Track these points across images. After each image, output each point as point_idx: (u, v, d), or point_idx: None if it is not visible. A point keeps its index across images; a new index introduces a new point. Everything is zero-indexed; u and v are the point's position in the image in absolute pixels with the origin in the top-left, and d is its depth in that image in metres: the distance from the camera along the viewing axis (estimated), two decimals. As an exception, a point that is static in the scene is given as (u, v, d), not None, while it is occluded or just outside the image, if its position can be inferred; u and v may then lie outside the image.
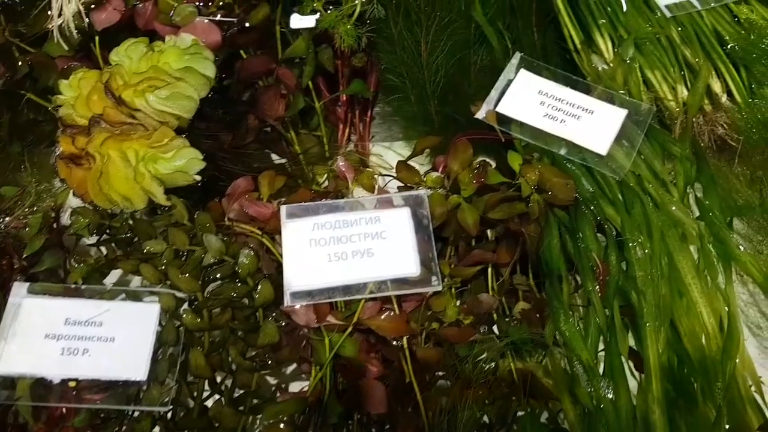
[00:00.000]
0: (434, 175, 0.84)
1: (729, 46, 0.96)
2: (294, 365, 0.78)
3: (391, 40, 0.98)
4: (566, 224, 0.81)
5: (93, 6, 0.96)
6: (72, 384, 0.67)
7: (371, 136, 1.07)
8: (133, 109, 0.79)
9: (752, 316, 0.84)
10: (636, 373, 0.74)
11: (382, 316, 0.74)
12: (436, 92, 0.96)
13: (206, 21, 0.94)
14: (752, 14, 0.97)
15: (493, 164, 0.93)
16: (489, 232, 0.86)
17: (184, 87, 0.82)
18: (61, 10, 0.96)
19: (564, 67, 0.98)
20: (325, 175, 0.89)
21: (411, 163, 0.88)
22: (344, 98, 1.03)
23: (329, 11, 0.99)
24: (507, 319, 0.80)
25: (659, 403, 0.69)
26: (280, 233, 0.79)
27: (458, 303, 0.81)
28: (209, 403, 0.72)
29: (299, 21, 0.99)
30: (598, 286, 0.76)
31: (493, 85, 0.94)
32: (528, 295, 0.81)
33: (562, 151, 0.85)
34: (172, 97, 0.80)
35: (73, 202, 0.82)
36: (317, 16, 0.98)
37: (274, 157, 1.00)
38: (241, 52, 0.99)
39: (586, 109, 0.88)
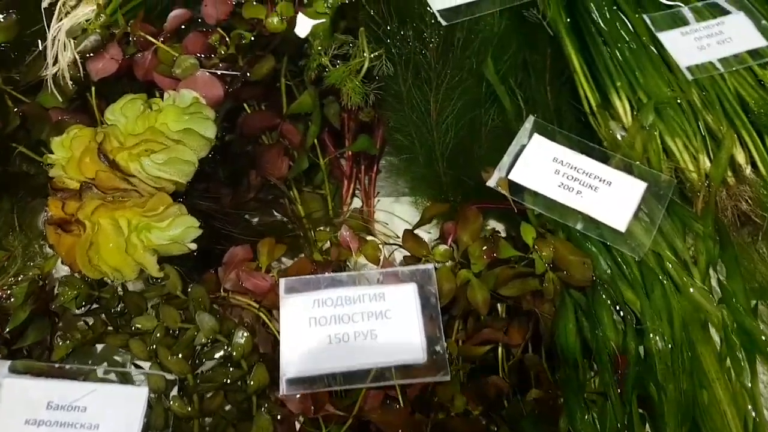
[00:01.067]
0: (442, 248, 0.80)
1: (753, 113, 0.92)
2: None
3: (400, 98, 0.95)
4: (582, 306, 0.77)
5: (89, 55, 0.93)
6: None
7: (377, 192, 1.03)
8: (127, 174, 0.75)
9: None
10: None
11: (385, 409, 0.69)
12: (446, 153, 0.93)
13: (208, 74, 0.91)
14: (776, 78, 0.94)
15: (504, 232, 0.89)
16: (499, 305, 0.82)
17: (183, 150, 0.78)
18: (56, 58, 0.93)
19: (579, 130, 0.94)
20: (328, 242, 0.85)
21: (418, 228, 0.84)
22: (350, 153, 0.99)
23: (337, 66, 0.95)
24: (518, 403, 0.76)
25: None
26: (278, 308, 0.75)
27: (465, 381, 0.76)
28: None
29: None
30: (616, 377, 0.72)
31: (504, 148, 0.91)
32: (541, 377, 0.77)
33: (579, 226, 0.81)
34: (169, 162, 0.76)
35: (62, 269, 0.78)
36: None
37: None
38: (245, 105, 0.95)
39: (604, 180, 0.85)
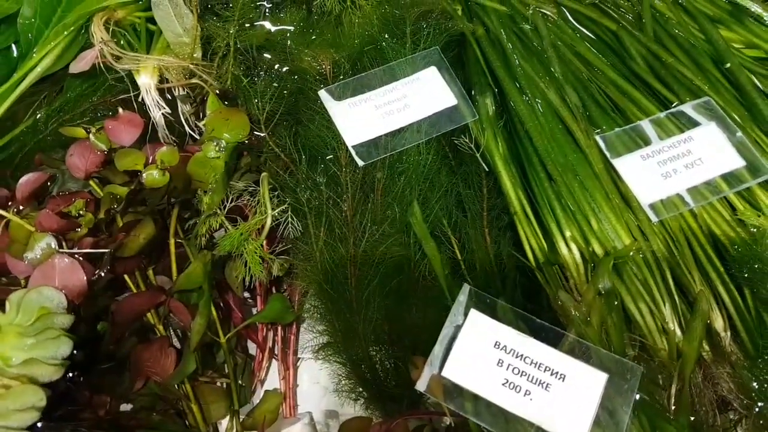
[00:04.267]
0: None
1: (730, 259, 0.80)
2: None
3: (313, 262, 0.81)
4: None
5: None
6: None
7: (298, 360, 0.89)
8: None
9: None
10: None
11: None
12: (369, 330, 0.79)
13: (67, 259, 0.76)
14: (760, 218, 0.82)
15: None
16: None
17: (26, 392, 0.63)
18: None
19: (524, 286, 0.82)
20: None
21: None
22: (264, 332, 0.85)
23: (236, 226, 0.81)
24: None
25: None
26: None
27: None
28: None
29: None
30: None
31: (440, 313, 0.77)
32: None
33: (529, 445, 0.68)
34: (6, 415, 0.61)
35: None
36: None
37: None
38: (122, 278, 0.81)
39: (557, 374, 0.72)
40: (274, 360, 0.90)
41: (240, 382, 0.84)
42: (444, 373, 0.73)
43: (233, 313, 0.86)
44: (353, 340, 0.79)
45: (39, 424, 0.66)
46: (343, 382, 0.81)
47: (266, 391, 0.83)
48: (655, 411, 0.71)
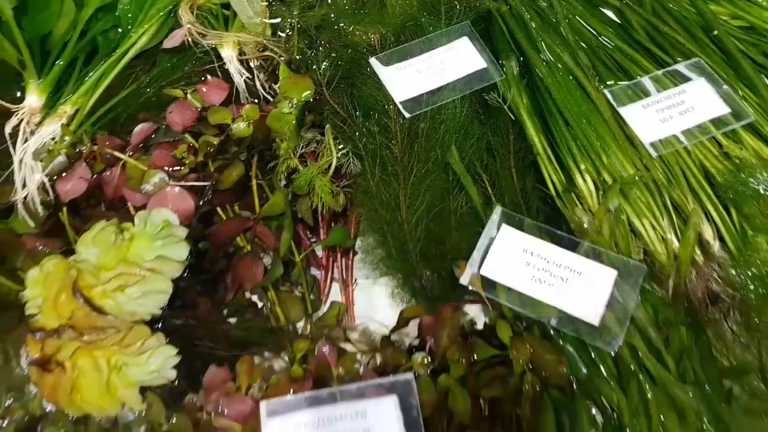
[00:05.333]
0: (420, 356, 0.84)
1: (718, 185, 0.97)
2: None
3: (370, 194, 1.00)
4: (562, 404, 0.82)
5: (57, 177, 0.97)
6: None
7: (354, 280, 1.06)
8: (103, 311, 0.79)
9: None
10: None
11: None
12: (418, 247, 0.97)
13: (177, 189, 0.95)
14: (741, 150, 0.99)
15: (481, 324, 0.93)
16: (482, 401, 0.86)
17: (156, 281, 0.82)
18: (25, 181, 0.97)
19: (547, 213, 1.00)
20: (303, 348, 0.89)
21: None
22: (326, 248, 1.03)
23: (306, 165, 1.00)
24: None
25: None
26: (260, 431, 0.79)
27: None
28: None
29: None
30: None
31: (475, 236, 0.95)
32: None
33: (553, 322, 0.86)
34: (144, 295, 0.81)
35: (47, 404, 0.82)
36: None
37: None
38: (218, 209, 1.00)
39: (574, 270, 0.89)
40: (335, 283, 1.07)
41: (311, 295, 1.02)
42: (482, 272, 0.91)
43: (303, 240, 1.05)
44: (404, 255, 0.97)
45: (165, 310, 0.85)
46: (396, 291, 0.99)
47: (332, 302, 1.00)
48: (657, 299, 0.88)
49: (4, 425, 0.79)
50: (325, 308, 1.01)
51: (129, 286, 0.80)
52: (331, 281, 1.06)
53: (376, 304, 1.03)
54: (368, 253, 1.05)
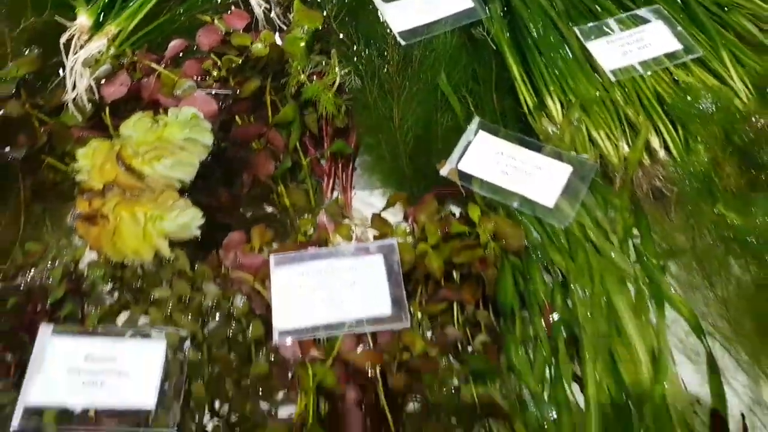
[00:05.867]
0: (403, 226, 1.01)
1: (668, 106, 1.14)
2: (283, 393, 0.93)
3: (368, 107, 1.17)
4: (519, 268, 0.98)
5: (103, 81, 1.15)
6: (91, 413, 0.83)
7: (353, 188, 1.23)
8: (141, 175, 0.97)
9: (692, 344, 0.99)
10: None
11: (359, 350, 0.90)
12: (407, 151, 1.14)
13: (204, 94, 1.13)
14: (689, 77, 1.16)
15: (458, 213, 1.10)
16: (455, 272, 1.02)
17: (186, 155, 0.99)
18: (75, 84, 1.15)
19: (520, 129, 1.16)
20: (310, 227, 1.06)
21: (387, 211, 1.05)
22: (328, 154, 1.20)
23: (313, 82, 1.17)
24: (470, 350, 0.96)
25: (597, 425, 0.85)
26: (269, 279, 0.96)
27: (429, 336, 0.96)
28: (209, 426, 0.88)
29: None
30: (544, 323, 0.92)
31: (456, 144, 1.12)
32: (487, 327, 0.97)
33: (515, 204, 1.02)
34: (175, 165, 0.98)
35: (90, 255, 0.99)
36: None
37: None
38: (236, 117, 1.17)
39: (537, 166, 1.06)
40: (335, 192, 1.24)
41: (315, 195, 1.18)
42: (459, 167, 1.08)
43: (309, 150, 1.22)
44: (396, 157, 1.14)
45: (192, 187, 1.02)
46: (387, 192, 1.16)
47: (335, 198, 1.17)
48: (606, 190, 1.05)
49: (54, 270, 0.96)
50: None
51: (163, 157, 0.98)
52: (333, 187, 1.23)
53: (370, 212, 1.20)
54: (366, 169, 1.22)
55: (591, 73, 1.18)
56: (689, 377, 0.93)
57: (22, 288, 0.93)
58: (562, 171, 1.05)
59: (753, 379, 0.94)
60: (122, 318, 0.95)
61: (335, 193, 1.22)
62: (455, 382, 0.92)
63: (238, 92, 1.16)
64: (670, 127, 1.12)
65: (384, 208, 1.06)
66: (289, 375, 0.91)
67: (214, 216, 1.05)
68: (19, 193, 1.06)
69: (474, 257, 0.98)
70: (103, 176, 0.98)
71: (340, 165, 1.23)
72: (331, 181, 1.22)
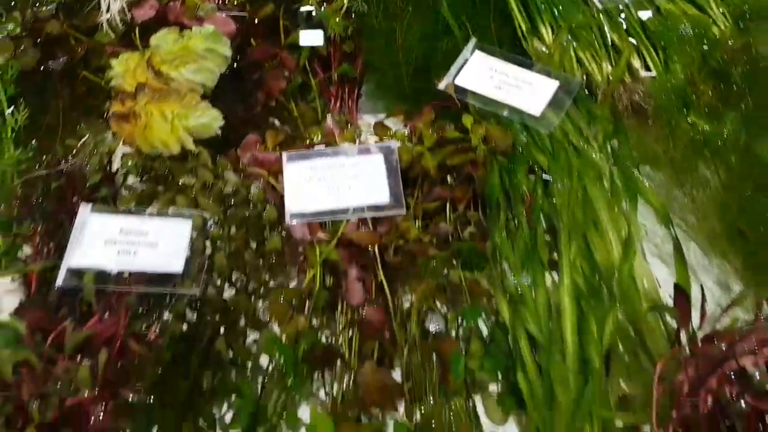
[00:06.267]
0: (402, 131, 1.13)
1: (650, 31, 1.24)
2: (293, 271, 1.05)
3: (373, 30, 1.29)
4: (506, 167, 1.09)
5: (134, 4, 1.27)
6: (126, 275, 0.96)
7: (359, 112, 1.35)
8: (169, 79, 1.08)
9: (668, 250, 1.10)
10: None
11: (359, 230, 1.02)
12: (409, 71, 1.25)
13: (224, 15, 1.24)
14: (670, 5, 1.26)
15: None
16: (449, 178, 1.14)
17: (208, 63, 1.11)
18: (109, 7, 1.27)
19: (514, 51, 1.27)
20: (318, 134, 1.17)
21: (389, 125, 1.17)
22: (336, 78, 1.31)
23: (323, 7, 1.29)
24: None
25: (570, 294, 0.96)
26: (282, 174, 1.08)
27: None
28: (228, 294, 1.01)
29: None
30: (525, 212, 1.04)
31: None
32: (478, 225, 1.09)
33: (505, 113, 1.14)
34: (198, 70, 1.10)
35: (122, 150, 1.12)
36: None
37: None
38: (251, 40, 1.28)
39: (527, 81, 1.17)
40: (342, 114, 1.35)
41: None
42: (456, 82, 1.19)
43: (318, 73, 1.33)
44: (399, 78, 1.25)
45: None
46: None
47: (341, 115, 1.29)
48: (590, 102, 1.16)
49: (91, 158, 1.08)
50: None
51: (188, 63, 1.09)
52: (339, 110, 1.34)
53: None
54: (370, 96, 1.33)
55: (580, 3, 1.28)
56: (664, 278, 1.02)
57: (63, 173, 1.05)
58: (550, 86, 1.16)
59: (719, 269, 1.04)
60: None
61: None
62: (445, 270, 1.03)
63: (253, 16, 1.27)
64: (652, 50, 1.22)
65: (386, 117, 1.17)
66: (300, 253, 1.03)
67: (231, 125, 1.17)
68: (59, 101, 1.19)
69: (466, 160, 1.09)
70: (135, 79, 1.10)
71: (346, 89, 1.35)
72: (337, 104, 1.34)
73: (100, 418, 0.88)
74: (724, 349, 0.87)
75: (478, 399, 0.97)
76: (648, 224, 1.08)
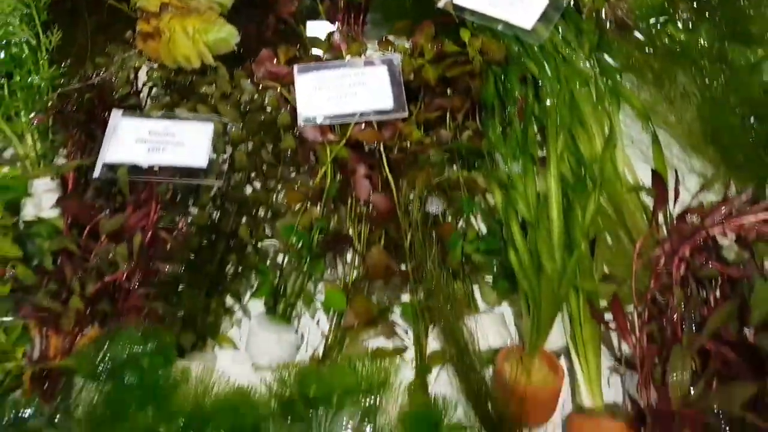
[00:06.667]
0: (404, 46, 1.23)
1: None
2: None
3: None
4: (499, 76, 1.19)
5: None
6: (156, 168, 1.06)
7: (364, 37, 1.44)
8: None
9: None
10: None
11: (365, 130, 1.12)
12: (411, -2, 1.35)
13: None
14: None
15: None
16: (448, 90, 1.24)
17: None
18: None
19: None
20: (326, 48, 1.27)
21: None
22: (343, 5, 1.41)
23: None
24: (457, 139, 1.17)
25: (556, 180, 1.06)
26: (293, 85, 1.18)
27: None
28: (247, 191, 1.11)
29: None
30: (517, 113, 1.14)
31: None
32: (473, 129, 1.19)
33: (499, 27, 1.23)
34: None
35: (147, 67, 1.22)
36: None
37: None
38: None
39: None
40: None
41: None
42: (455, 1, 1.28)
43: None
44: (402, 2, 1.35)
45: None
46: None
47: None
48: (577, 17, 1.25)
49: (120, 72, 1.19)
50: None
51: (207, -16, 1.19)
52: (346, 33, 1.44)
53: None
54: (375, 25, 1.43)
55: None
56: (648, 178, 1.12)
57: (94, 87, 1.15)
58: (540, 2, 1.25)
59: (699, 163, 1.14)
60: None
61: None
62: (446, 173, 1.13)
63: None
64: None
65: (389, 33, 1.27)
66: (311, 154, 1.13)
67: (245, 45, 1.27)
68: (87, 26, 1.29)
69: (464, 71, 1.19)
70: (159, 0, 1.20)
71: (352, 15, 1.44)
72: (344, 26, 1.43)
73: (138, 294, 0.99)
74: (696, 222, 0.98)
75: (476, 288, 1.08)
76: (634, 134, 1.18)
